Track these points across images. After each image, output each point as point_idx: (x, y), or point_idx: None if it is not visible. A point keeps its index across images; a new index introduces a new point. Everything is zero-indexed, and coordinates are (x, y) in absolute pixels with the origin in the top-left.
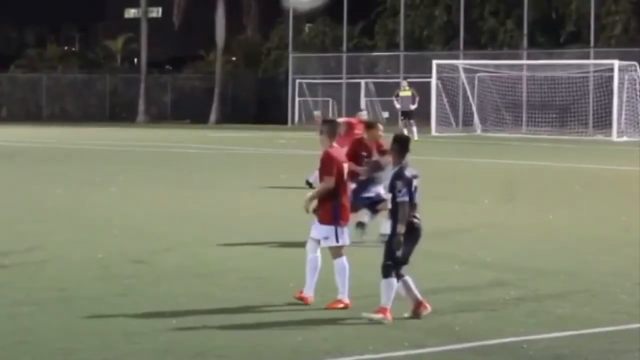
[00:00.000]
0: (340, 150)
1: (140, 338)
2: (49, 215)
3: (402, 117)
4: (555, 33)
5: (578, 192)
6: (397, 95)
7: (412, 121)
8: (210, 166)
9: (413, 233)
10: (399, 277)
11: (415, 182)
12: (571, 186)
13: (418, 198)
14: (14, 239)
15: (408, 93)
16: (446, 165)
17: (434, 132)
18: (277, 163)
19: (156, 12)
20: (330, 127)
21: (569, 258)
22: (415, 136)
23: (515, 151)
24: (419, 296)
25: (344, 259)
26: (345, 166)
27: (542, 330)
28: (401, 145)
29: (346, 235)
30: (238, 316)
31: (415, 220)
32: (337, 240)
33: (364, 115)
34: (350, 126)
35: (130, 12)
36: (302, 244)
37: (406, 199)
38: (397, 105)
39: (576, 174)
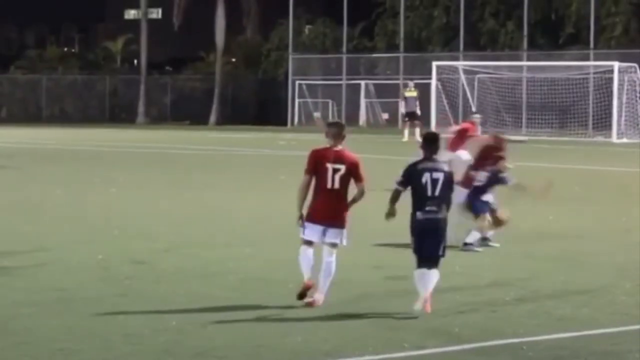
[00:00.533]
0: (333, 152)
1: (140, 339)
2: (48, 216)
3: (407, 118)
4: (555, 34)
5: (578, 193)
6: (405, 97)
7: (416, 122)
8: (210, 167)
9: (421, 226)
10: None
11: (430, 175)
12: (571, 187)
13: (438, 192)
14: (14, 240)
15: (414, 94)
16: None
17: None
18: (277, 164)
19: (156, 13)
20: (333, 129)
21: (569, 259)
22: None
23: (514, 152)
24: (423, 294)
25: (302, 248)
26: (330, 167)
27: (542, 331)
28: (426, 142)
29: (309, 232)
30: (238, 317)
31: (418, 213)
32: (302, 233)
33: (477, 118)
34: (464, 130)
35: (130, 13)
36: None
37: (398, 187)
38: (402, 109)
39: (576, 175)
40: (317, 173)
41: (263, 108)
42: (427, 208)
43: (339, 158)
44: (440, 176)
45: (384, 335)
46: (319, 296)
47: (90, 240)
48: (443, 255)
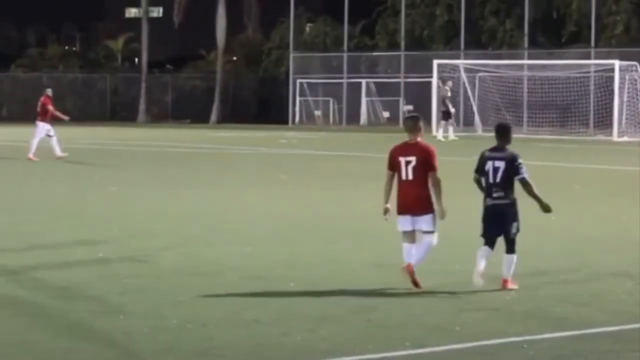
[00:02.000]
0: (406, 145)
1: (141, 337)
2: (49, 214)
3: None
4: (556, 33)
5: (579, 191)
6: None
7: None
8: (210, 166)
9: (487, 211)
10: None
11: (493, 163)
12: (572, 186)
13: (499, 179)
14: (15, 238)
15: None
16: (447, 164)
17: (434, 132)
18: (277, 163)
19: (157, 12)
20: (408, 123)
21: (570, 258)
22: (441, 136)
23: (515, 151)
24: (477, 268)
25: (403, 245)
26: (402, 160)
27: (543, 329)
28: (497, 132)
29: (400, 223)
30: (238, 315)
31: (487, 199)
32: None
33: None
34: None
35: (131, 12)
36: (302, 243)
37: (475, 174)
38: (453, 109)
39: (577, 173)
40: (395, 168)
41: (264, 106)
42: (494, 195)
43: (411, 150)
44: (501, 164)
45: (384, 333)
46: (409, 266)
47: (90, 238)
48: (516, 233)
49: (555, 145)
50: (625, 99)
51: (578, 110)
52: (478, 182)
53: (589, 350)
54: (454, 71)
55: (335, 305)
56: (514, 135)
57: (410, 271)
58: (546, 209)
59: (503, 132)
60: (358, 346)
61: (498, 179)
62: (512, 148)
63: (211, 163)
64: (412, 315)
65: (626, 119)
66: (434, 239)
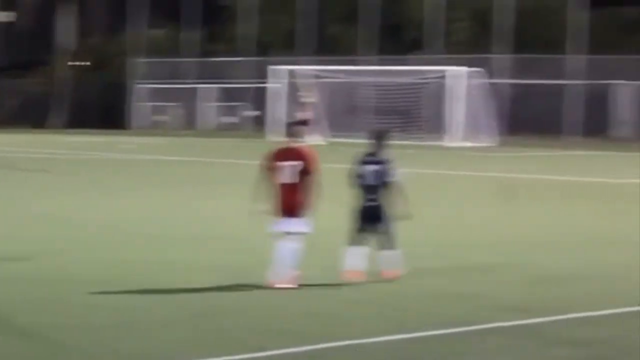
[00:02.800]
0: (285, 150)
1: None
2: None
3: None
4: (399, 39)
5: (419, 197)
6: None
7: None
8: (52, 171)
9: (360, 211)
10: None
11: (368, 167)
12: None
13: (374, 181)
14: None
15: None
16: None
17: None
18: (116, 168)
19: (1, 16)
20: (289, 129)
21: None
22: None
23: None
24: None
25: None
26: (282, 164)
27: (380, 333)
28: (372, 137)
29: (278, 225)
30: (89, 320)
31: (362, 201)
32: None
33: None
34: None
35: None
36: (130, 249)
37: (352, 180)
38: (305, 116)
39: (424, 179)
40: (272, 171)
41: (108, 112)
42: (368, 197)
43: (291, 154)
44: (376, 168)
45: (217, 338)
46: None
47: None
48: (389, 232)
49: (396, 151)
50: (465, 104)
51: (417, 116)
52: (357, 187)
53: (424, 353)
54: (298, 77)
55: (170, 309)
56: (355, 141)
57: (287, 281)
58: (405, 216)
59: (378, 138)
60: (188, 351)
61: (373, 182)
62: (387, 153)
63: (54, 168)
64: (253, 319)
65: (467, 124)
66: (299, 242)
